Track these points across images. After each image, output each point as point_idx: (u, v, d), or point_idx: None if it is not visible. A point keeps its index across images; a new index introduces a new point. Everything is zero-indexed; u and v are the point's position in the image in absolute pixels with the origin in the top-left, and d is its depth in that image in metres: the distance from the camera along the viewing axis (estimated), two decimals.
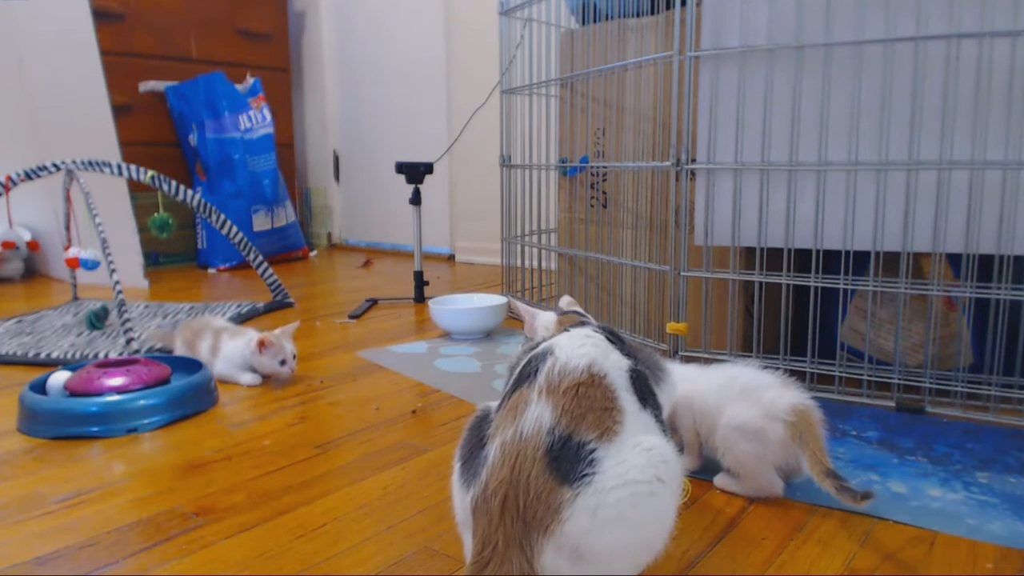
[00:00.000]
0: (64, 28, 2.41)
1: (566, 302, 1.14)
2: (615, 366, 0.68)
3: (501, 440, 0.64)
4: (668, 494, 0.64)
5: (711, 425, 0.94)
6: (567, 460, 0.61)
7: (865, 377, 1.28)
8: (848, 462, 1.02)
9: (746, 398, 0.91)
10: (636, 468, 0.62)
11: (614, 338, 0.75)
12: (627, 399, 0.67)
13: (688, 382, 0.97)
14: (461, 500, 0.67)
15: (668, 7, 1.47)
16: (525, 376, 0.68)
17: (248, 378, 1.43)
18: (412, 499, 0.93)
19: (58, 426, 1.16)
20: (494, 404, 0.71)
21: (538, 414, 0.63)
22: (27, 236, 2.76)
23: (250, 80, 3.18)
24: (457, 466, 0.69)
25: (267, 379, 1.45)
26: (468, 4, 3.05)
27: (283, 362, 1.40)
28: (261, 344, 1.39)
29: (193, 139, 3.08)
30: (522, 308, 1.13)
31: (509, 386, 0.70)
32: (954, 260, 1.26)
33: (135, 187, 2.34)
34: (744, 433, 0.90)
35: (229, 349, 1.44)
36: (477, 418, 0.71)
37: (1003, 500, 0.90)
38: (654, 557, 0.65)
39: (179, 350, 1.53)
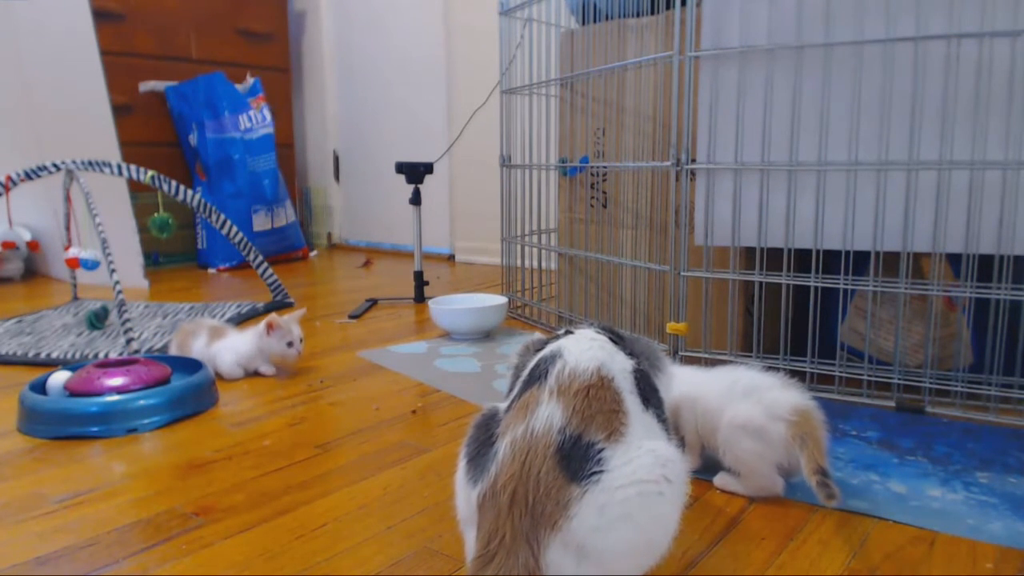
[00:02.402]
0: (64, 28, 2.41)
1: None
2: (621, 368, 0.69)
3: (511, 437, 0.65)
4: (674, 495, 0.65)
5: (713, 425, 0.94)
6: (577, 459, 0.62)
7: (865, 377, 1.28)
8: (848, 462, 1.02)
9: (748, 397, 0.92)
10: (644, 467, 0.63)
11: (617, 338, 0.75)
12: (632, 401, 0.68)
13: (691, 384, 0.98)
14: (466, 496, 0.67)
15: (668, 7, 1.47)
16: (535, 377, 0.69)
17: (266, 369, 1.48)
18: (412, 499, 0.93)
19: (58, 426, 1.16)
20: (501, 405, 0.72)
21: (549, 413, 0.64)
22: (27, 236, 2.76)
23: (250, 80, 3.18)
24: (463, 463, 0.69)
25: (255, 375, 1.46)
26: (468, 4, 3.05)
27: (290, 344, 1.44)
28: (270, 326, 1.44)
29: (193, 139, 3.08)
30: None
31: (518, 387, 0.70)
32: (954, 260, 1.26)
33: (135, 187, 2.34)
34: (746, 431, 0.90)
35: (238, 339, 1.47)
36: (484, 417, 0.72)
37: (1003, 500, 0.90)
38: (658, 558, 0.65)
39: (173, 345, 1.53)
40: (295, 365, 1.52)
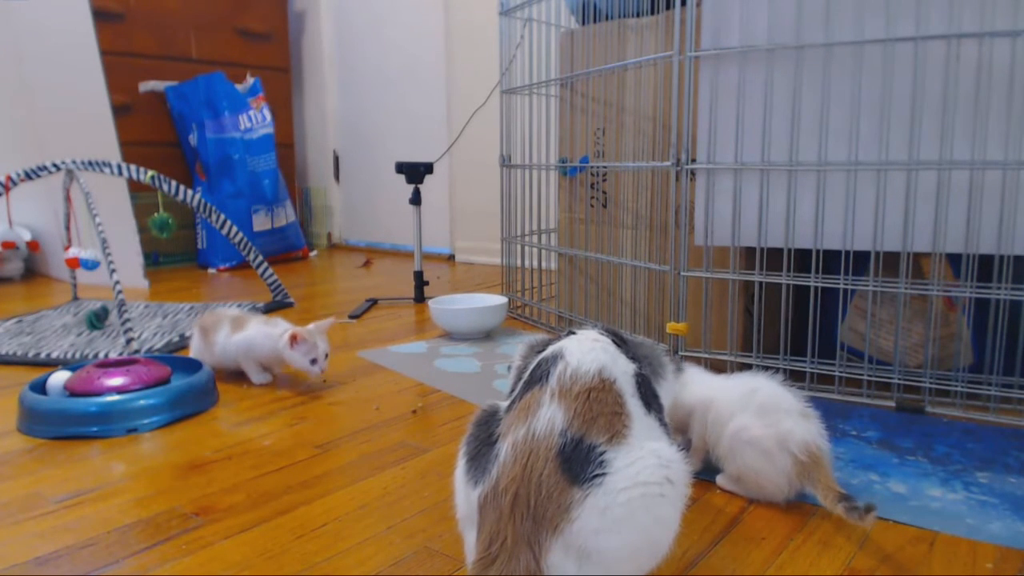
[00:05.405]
0: (64, 28, 2.41)
1: None
2: (623, 371, 0.69)
3: (513, 439, 0.65)
4: (676, 496, 0.65)
5: (720, 433, 0.94)
6: (578, 461, 0.62)
7: (865, 377, 1.28)
8: (848, 462, 1.02)
9: (763, 416, 0.90)
10: (647, 469, 0.63)
11: (619, 341, 0.75)
12: (634, 404, 0.68)
13: (708, 388, 0.97)
14: (466, 496, 0.67)
15: (668, 7, 1.47)
16: (536, 379, 0.68)
17: (260, 378, 1.42)
18: (412, 499, 0.93)
19: (58, 426, 1.16)
20: (502, 403, 0.72)
21: (550, 415, 0.64)
22: (27, 236, 2.76)
23: (250, 80, 3.18)
24: (462, 462, 0.69)
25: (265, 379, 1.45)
26: (468, 4, 3.05)
27: (314, 361, 1.34)
28: (293, 339, 1.33)
29: (193, 139, 3.08)
30: None
31: (519, 387, 0.70)
32: (954, 260, 1.26)
33: (135, 187, 2.34)
34: (753, 448, 0.89)
35: (258, 335, 1.38)
36: (484, 414, 0.72)
37: (1003, 500, 0.90)
38: (659, 560, 0.65)
39: (196, 337, 1.48)
40: (288, 383, 1.43)
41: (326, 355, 1.36)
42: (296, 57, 3.79)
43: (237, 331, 1.41)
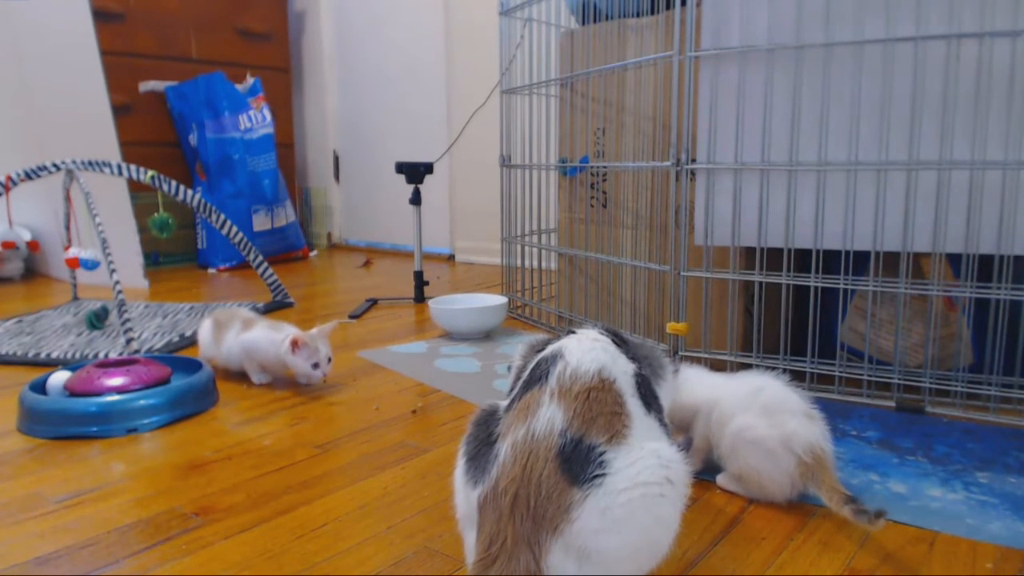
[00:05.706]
0: (64, 28, 2.41)
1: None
2: (622, 371, 0.69)
3: (512, 439, 0.64)
4: (676, 496, 0.65)
5: (722, 433, 0.94)
6: (578, 462, 0.62)
7: (865, 377, 1.28)
8: (848, 462, 1.02)
9: (768, 416, 0.89)
10: (647, 469, 0.63)
11: (619, 341, 0.75)
12: (634, 404, 0.67)
13: (713, 388, 0.97)
14: (466, 496, 0.67)
15: (668, 7, 1.47)
16: (536, 378, 0.68)
17: (259, 377, 1.42)
18: (412, 499, 0.93)
19: (58, 426, 1.16)
20: (501, 403, 0.72)
21: (550, 416, 0.64)
22: (27, 236, 2.76)
23: (250, 80, 3.18)
24: (462, 462, 0.69)
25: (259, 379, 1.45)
26: (468, 4, 3.05)
27: (316, 365, 1.33)
28: (295, 343, 1.32)
29: (193, 139, 3.08)
30: None
31: (519, 387, 0.70)
32: (954, 260, 1.26)
33: (135, 187, 2.34)
34: (756, 447, 0.89)
35: (263, 338, 1.38)
36: (484, 413, 0.71)
37: (1003, 500, 0.90)
38: (659, 560, 0.65)
39: (208, 329, 1.48)
40: (289, 383, 1.42)
41: (329, 359, 1.35)
42: (296, 57, 3.79)
43: (245, 331, 1.42)
